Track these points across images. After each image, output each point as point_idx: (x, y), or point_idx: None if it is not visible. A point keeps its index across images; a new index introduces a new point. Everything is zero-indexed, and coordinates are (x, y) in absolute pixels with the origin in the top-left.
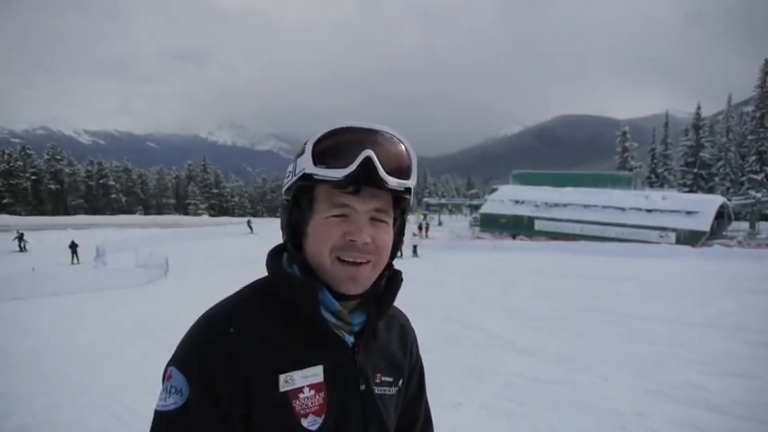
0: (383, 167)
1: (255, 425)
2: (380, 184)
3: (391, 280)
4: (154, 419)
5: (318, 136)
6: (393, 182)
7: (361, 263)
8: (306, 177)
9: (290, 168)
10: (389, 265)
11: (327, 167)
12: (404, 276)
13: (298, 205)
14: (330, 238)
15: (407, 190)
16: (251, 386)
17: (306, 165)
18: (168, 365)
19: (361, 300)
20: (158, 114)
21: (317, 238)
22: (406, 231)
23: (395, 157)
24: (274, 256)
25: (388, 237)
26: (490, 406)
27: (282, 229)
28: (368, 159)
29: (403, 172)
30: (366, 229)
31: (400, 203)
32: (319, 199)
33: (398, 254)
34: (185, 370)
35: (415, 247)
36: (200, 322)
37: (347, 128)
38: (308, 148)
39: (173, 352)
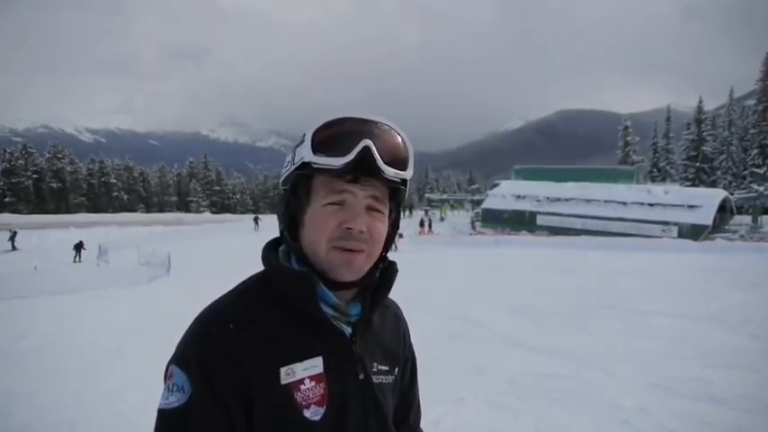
0: (381, 157)
1: (258, 418)
2: (378, 173)
3: (386, 271)
4: (157, 418)
5: (318, 126)
6: (390, 172)
7: (356, 251)
8: (305, 166)
9: (289, 158)
10: (384, 257)
11: (326, 156)
12: (405, 275)
13: (296, 195)
14: (327, 227)
15: (403, 181)
16: (252, 380)
17: (305, 153)
18: (169, 364)
19: (358, 290)
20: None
21: (314, 226)
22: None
23: (392, 147)
24: (270, 250)
25: (383, 227)
26: (493, 401)
27: (279, 218)
28: (366, 149)
29: (400, 163)
30: (362, 217)
31: (396, 196)
32: (317, 188)
33: (393, 247)
34: (186, 367)
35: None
36: (198, 319)
37: (346, 118)
38: (308, 138)
39: (174, 350)
